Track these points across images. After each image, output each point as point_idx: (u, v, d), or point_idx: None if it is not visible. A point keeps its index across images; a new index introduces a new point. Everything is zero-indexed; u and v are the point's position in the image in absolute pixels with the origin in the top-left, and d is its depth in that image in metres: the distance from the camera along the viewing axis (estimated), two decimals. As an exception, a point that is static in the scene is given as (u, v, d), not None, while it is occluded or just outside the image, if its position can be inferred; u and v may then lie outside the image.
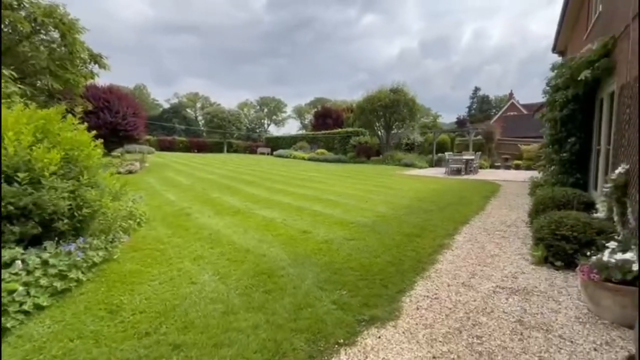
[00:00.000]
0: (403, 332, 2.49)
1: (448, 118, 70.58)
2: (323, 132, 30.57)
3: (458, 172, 13.89)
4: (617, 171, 4.10)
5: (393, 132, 23.39)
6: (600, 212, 4.32)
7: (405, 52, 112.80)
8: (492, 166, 17.74)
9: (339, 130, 28.68)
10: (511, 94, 40.72)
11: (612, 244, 2.99)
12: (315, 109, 41.02)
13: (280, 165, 19.36)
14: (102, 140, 4.59)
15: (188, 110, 76.39)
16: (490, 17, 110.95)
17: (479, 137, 19.79)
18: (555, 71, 6.75)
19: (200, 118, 73.04)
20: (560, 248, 3.60)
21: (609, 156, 5.42)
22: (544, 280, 3.39)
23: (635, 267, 2.58)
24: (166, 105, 74.29)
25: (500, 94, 59.91)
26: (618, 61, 4.88)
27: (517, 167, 16.70)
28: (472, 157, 14.28)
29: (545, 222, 3.86)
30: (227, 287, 3.19)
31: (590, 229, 3.57)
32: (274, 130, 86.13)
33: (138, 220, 5.29)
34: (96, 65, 10.83)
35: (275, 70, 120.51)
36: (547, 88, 7.47)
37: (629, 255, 2.73)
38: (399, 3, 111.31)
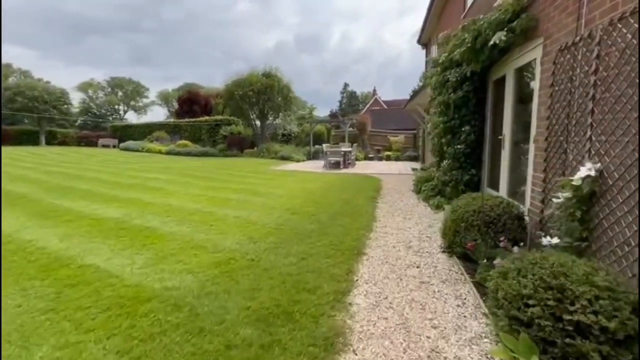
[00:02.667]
0: None
1: (322, 111, 73.46)
2: (187, 120, 25.42)
3: (337, 165, 12.46)
4: (581, 173, 2.52)
5: (268, 122, 20.86)
6: (553, 239, 2.72)
7: (281, 45, 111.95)
8: (366, 157, 17.48)
9: (207, 118, 24.24)
10: (374, 91, 44.34)
11: None
12: (179, 94, 34.58)
13: (112, 163, 14.11)
14: None
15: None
16: (355, 21, 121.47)
17: (353, 128, 19.42)
18: (451, 43, 5.35)
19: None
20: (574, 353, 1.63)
21: (519, 149, 4.18)
22: None
23: None
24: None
25: (365, 90, 65.67)
26: (543, 18, 3.48)
27: (388, 158, 16.85)
28: (350, 149, 13.13)
29: (529, 286, 1.86)
30: None
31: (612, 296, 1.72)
32: (133, 118, 71.53)
33: None
34: None
35: (135, 47, 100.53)
36: (427, 72, 6.20)
37: None
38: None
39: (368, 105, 40.35)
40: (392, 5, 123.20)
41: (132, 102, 79.48)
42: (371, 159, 17.24)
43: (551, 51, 3.26)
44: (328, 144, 13.28)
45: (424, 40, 12.34)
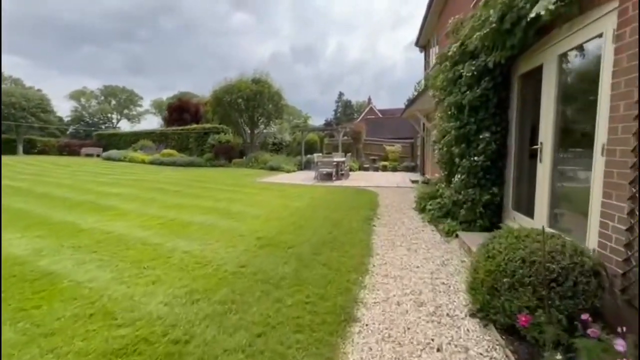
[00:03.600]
0: None
1: (318, 121, 72.72)
2: (175, 128, 24.21)
3: (329, 177, 11.27)
4: None
5: (259, 130, 19.70)
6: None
7: (277, 55, 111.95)
8: (361, 168, 16.33)
9: (195, 126, 23.05)
10: (369, 100, 43.59)
11: None
12: (170, 102, 33.39)
13: (82, 175, 12.81)
14: None
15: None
16: (350, 32, 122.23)
17: (347, 137, 18.32)
18: (467, 27, 4.24)
19: None
20: None
21: (569, 161, 3.04)
22: None
23: None
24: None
25: (360, 100, 65.13)
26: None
27: (385, 169, 15.72)
28: (343, 159, 11.97)
29: None
30: None
31: None
32: (127, 127, 70.30)
33: None
34: None
35: (130, 57, 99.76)
36: (429, 72, 5.13)
37: None
38: (269, 5, 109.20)
39: (363, 114, 39.51)
40: (386, 17, 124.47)
41: (126, 111, 78.36)
42: (366, 169, 16.11)
43: (635, 17, 2.13)
44: (319, 154, 12.10)
45: (422, 43, 11.39)
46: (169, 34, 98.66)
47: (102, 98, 74.45)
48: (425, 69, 11.55)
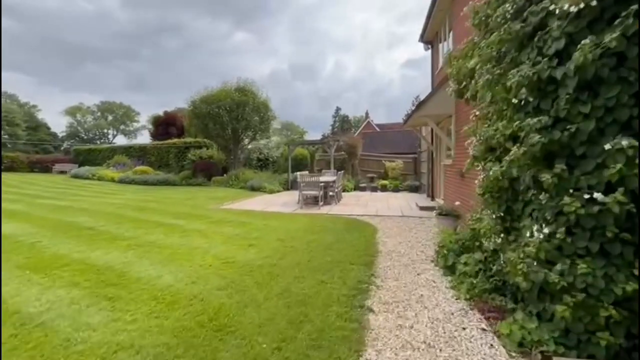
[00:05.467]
0: None
1: (316, 136, 71.02)
2: (155, 142, 21.98)
3: (315, 201, 8.82)
4: None
5: (243, 144, 17.38)
6: None
7: (276, 73, 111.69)
8: (357, 187, 13.91)
9: (176, 140, 20.77)
10: (367, 114, 41.73)
11: None
12: (156, 116, 31.30)
13: (15, 197, 10.37)
14: None
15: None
16: (347, 51, 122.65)
17: (342, 152, 16.00)
18: None
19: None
20: None
21: None
22: None
23: None
24: None
25: (358, 115, 63.53)
26: None
27: (384, 188, 13.31)
28: (333, 178, 9.55)
29: None
30: None
31: None
32: (123, 142, 68.47)
33: None
34: None
35: (132, 75, 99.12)
36: (460, 49, 2.88)
37: None
38: (270, 26, 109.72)
39: (360, 129, 37.47)
40: (383, 37, 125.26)
41: (122, 126, 76.82)
42: (363, 189, 13.69)
43: None
44: (305, 172, 9.64)
45: (429, 37, 9.24)
46: (170, 53, 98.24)
47: (99, 114, 72.97)
48: (432, 68, 9.36)
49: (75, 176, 18.56)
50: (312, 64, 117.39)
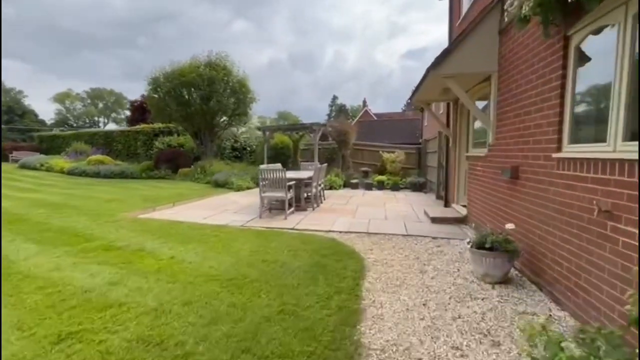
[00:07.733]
0: None
1: (312, 126, 67.74)
2: (122, 129, 19.18)
3: (282, 207, 6.11)
4: None
5: (218, 130, 14.52)
6: None
7: (275, 62, 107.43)
8: (347, 183, 11.22)
9: (143, 126, 17.93)
10: (365, 102, 38.65)
11: None
12: (132, 100, 28.23)
13: None
14: None
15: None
16: (347, 42, 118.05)
17: (330, 139, 13.24)
18: None
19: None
20: None
21: None
22: None
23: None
24: None
25: (355, 104, 60.31)
26: None
27: (381, 185, 10.64)
28: (310, 174, 6.83)
29: None
30: None
31: None
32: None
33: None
34: None
35: (128, 62, 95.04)
36: None
37: None
38: (269, 14, 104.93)
39: (358, 118, 34.49)
40: (383, 27, 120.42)
41: (114, 114, 73.43)
42: (355, 185, 11.00)
43: None
44: (278, 165, 6.91)
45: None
46: (168, 41, 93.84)
47: (89, 101, 69.46)
48: (451, 17, 6.55)
49: (23, 166, 15.78)
50: (312, 54, 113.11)
